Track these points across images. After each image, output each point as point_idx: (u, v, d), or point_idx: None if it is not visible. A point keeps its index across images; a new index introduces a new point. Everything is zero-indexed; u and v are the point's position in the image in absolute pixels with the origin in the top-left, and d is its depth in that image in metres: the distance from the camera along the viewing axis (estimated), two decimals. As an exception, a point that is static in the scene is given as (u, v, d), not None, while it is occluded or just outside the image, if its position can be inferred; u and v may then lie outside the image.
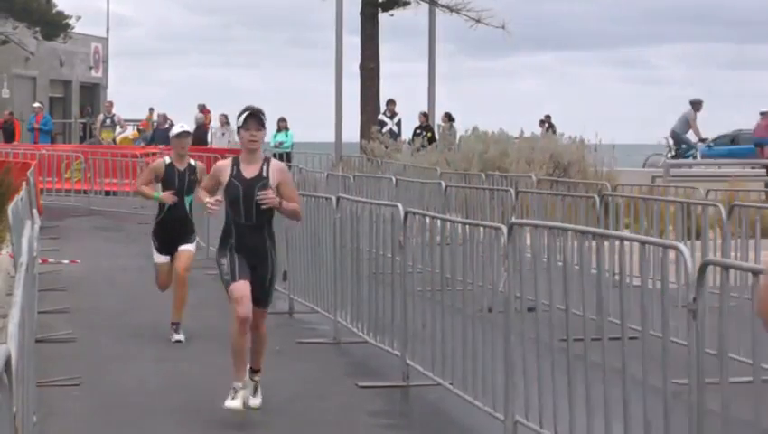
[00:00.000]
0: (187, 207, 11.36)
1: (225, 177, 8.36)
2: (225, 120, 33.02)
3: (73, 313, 12.69)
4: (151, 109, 37.06)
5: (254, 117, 8.29)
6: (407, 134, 30.28)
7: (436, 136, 29.16)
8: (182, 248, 11.31)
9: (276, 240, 8.51)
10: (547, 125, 32.19)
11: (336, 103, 32.21)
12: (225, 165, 8.45)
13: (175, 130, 11.40)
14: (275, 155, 31.14)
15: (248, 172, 8.30)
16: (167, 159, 11.32)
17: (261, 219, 8.31)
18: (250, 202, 8.26)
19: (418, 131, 29.50)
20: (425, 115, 30.93)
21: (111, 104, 36.35)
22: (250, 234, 8.30)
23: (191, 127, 11.35)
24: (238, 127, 8.36)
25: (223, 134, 32.78)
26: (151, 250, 11.59)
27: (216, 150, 30.31)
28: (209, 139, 33.33)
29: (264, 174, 8.29)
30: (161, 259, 11.45)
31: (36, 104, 36.92)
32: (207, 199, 8.45)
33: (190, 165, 11.35)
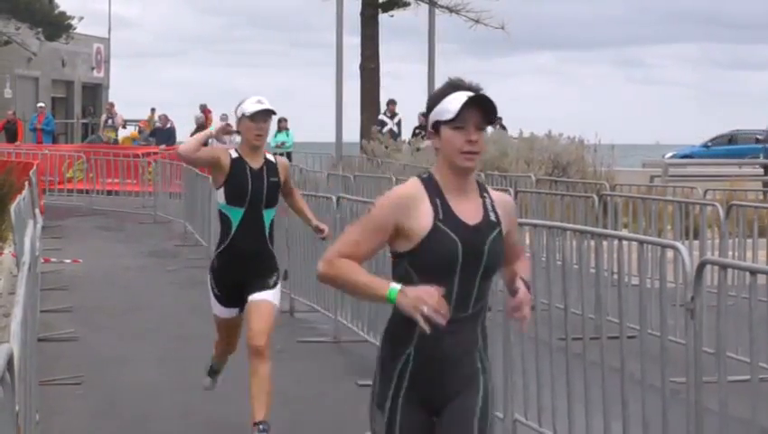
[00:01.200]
0: (266, 228, 7.38)
1: (421, 221, 4.19)
2: (225, 120, 33.08)
3: (75, 312, 12.74)
4: (153, 110, 37.12)
5: (476, 106, 4.22)
6: (406, 134, 30.39)
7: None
8: (257, 298, 7.33)
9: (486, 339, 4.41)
10: (498, 126, 32.38)
11: (336, 103, 32.27)
12: (411, 194, 4.26)
13: (250, 108, 7.32)
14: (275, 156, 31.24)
15: (467, 211, 4.28)
16: (233, 153, 7.47)
17: (480, 305, 4.31)
18: (474, 274, 4.24)
19: (417, 131, 29.59)
20: (424, 115, 31.05)
21: (112, 105, 36.47)
22: (457, 334, 4.24)
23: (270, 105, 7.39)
24: (440, 123, 4.36)
25: (224, 133, 32.84)
26: (208, 294, 7.66)
27: (216, 150, 30.32)
28: (210, 140, 33.36)
29: (491, 215, 4.33)
30: (224, 312, 7.58)
31: (40, 104, 37.17)
32: (426, 297, 4.01)
33: (268, 161, 7.51)
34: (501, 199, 4.43)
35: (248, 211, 7.35)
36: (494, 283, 8.07)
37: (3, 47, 44.36)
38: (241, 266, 7.33)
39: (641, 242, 6.76)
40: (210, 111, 35.50)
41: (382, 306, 10.37)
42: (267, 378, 7.29)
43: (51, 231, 19.91)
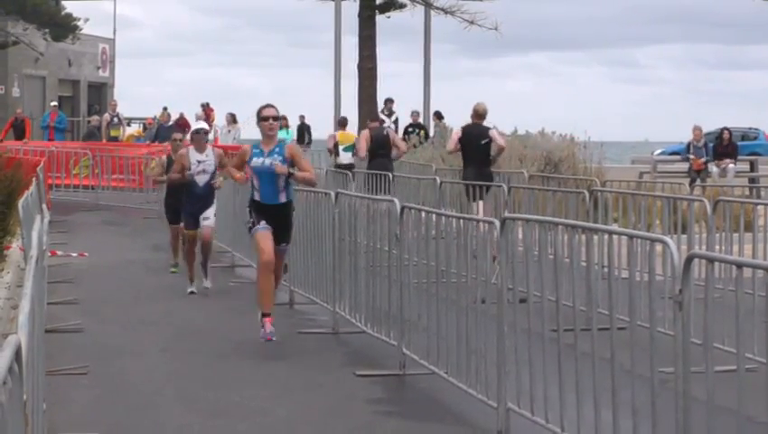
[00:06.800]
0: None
1: None
2: (232, 119, 33.18)
3: (81, 304, 12.86)
4: (165, 108, 37.13)
5: None
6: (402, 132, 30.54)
7: (429, 134, 29.49)
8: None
9: None
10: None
11: (335, 102, 32.42)
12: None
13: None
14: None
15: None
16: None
17: None
18: None
19: (410, 129, 29.75)
20: (418, 114, 31.29)
21: (115, 103, 36.49)
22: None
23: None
24: None
25: (229, 131, 32.96)
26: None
27: (221, 146, 30.47)
28: (210, 137, 33.47)
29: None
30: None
31: (53, 103, 37.38)
32: None
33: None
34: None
35: None
36: (490, 280, 8.21)
37: (11, 47, 44.56)
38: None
39: (630, 237, 6.79)
40: (212, 110, 35.63)
41: (379, 300, 10.42)
42: None
43: (58, 225, 20.04)
